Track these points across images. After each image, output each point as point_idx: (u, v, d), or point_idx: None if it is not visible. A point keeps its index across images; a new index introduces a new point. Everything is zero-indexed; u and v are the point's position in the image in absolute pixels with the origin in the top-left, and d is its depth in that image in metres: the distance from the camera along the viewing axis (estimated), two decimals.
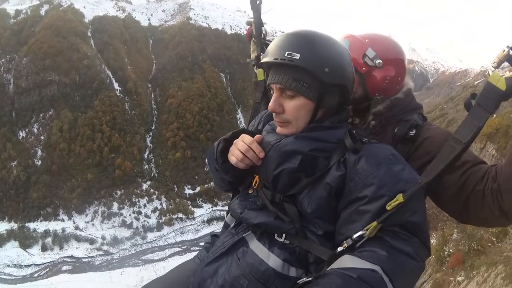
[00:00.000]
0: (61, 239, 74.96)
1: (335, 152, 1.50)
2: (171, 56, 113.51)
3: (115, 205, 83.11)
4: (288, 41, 1.50)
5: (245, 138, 1.63)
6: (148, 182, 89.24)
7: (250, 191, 1.72)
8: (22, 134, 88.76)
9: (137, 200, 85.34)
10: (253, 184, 1.69)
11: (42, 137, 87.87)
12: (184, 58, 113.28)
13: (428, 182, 1.33)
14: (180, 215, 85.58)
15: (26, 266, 71.17)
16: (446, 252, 10.68)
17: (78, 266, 71.25)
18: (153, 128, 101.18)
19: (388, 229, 1.31)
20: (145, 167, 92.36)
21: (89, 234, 77.02)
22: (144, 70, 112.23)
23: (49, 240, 74.48)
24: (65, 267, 71.24)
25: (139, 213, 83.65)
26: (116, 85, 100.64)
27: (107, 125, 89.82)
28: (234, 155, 1.63)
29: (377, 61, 1.82)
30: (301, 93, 1.51)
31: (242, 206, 1.68)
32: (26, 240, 73.96)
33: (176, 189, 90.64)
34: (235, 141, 1.66)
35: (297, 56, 1.43)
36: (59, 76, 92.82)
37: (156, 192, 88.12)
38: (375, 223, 1.30)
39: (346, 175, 1.42)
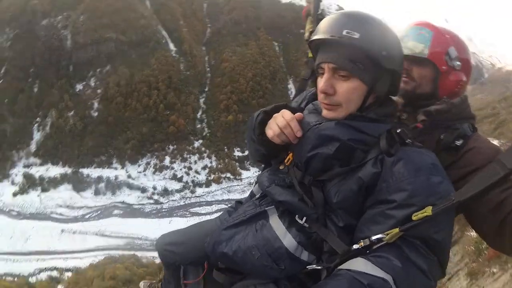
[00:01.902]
0: (113, 186, 74.64)
1: (374, 147, 1.43)
2: (225, 21, 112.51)
3: (167, 159, 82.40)
4: (346, 20, 1.43)
5: (285, 114, 1.58)
6: (200, 141, 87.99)
7: (281, 167, 1.69)
8: (79, 87, 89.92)
9: (188, 156, 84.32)
10: (286, 160, 1.65)
11: (98, 91, 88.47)
12: (238, 24, 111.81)
13: (461, 202, 1.24)
14: (228, 174, 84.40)
15: (78, 207, 71.31)
16: (484, 245, 8.82)
17: (129, 211, 71.02)
18: (206, 90, 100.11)
19: (408, 239, 1.26)
20: (198, 126, 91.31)
21: (141, 183, 76.51)
22: (199, 32, 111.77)
23: (102, 185, 74.30)
24: (116, 211, 71.26)
25: (190, 168, 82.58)
26: (171, 46, 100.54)
27: (163, 83, 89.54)
28: (272, 129, 1.60)
29: (457, 63, 1.72)
30: (356, 75, 1.45)
31: (270, 180, 1.66)
32: (79, 184, 74.18)
33: (226, 150, 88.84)
34: (275, 115, 1.61)
35: (357, 35, 1.37)
36: (116, 34, 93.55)
37: (207, 150, 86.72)
38: (397, 230, 1.25)
39: (380, 174, 1.36)
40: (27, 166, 78.72)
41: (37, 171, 77.15)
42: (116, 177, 75.99)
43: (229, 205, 2.01)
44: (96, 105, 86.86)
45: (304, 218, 1.51)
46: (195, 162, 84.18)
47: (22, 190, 74.13)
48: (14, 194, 73.79)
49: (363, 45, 1.36)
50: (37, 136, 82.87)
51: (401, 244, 1.26)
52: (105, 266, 46.24)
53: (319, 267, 1.48)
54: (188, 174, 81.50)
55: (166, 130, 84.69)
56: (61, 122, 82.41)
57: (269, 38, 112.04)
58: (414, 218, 1.23)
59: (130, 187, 74.96)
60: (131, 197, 73.61)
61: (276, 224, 1.59)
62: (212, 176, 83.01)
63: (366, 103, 1.50)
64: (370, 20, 1.42)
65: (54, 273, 56.53)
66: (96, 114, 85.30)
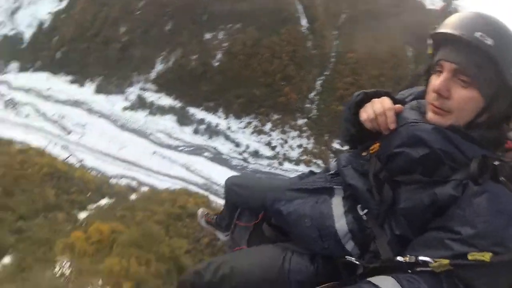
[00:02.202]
0: (212, 131, 75.26)
1: (463, 168, 1.31)
2: (361, 11, 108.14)
3: (268, 126, 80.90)
4: (481, 21, 1.31)
5: (384, 101, 1.56)
6: (305, 120, 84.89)
7: (364, 153, 1.67)
8: (207, 36, 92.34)
9: (289, 130, 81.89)
10: (371, 148, 1.63)
11: (224, 44, 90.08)
12: (375, 19, 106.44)
13: None
14: (319, 161, 79.70)
15: (175, 138, 73.31)
16: None
17: (217, 158, 71.51)
18: (327, 73, 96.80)
19: (452, 277, 1.18)
20: (307, 105, 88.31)
21: (237, 138, 76.33)
22: (333, 15, 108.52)
23: (202, 127, 75.34)
24: (206, 154, 72.25)
25: (286, 142, 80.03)
26: (303, 21, 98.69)
27: (287, 55, 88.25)
28: (366, 112, 1.57)
29: None
30: (477, 84, 1.33)
31: (348, 161, 1.68)
32: (183, 119, 76.11)
33: (326, 137, 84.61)
34: (375, 99, 1.60)
35: (490, 41, 1.24)
36: None
37: (308, 131, 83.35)
38: (448, 262, 1.16)
39: (458, 199, 1.27)
40: (143, 89, 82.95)
41: (150, 96, 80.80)
42: (217, 125, 76.53)
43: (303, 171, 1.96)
44: (219, 56, 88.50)
45: (365, 210, 1.48)
46: (293, 138, 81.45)
47: (132, 108, 78.11)
48: (124, 109, 77.97)
49: (495, 54, 1.22)
50: (159, 67, 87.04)
51: (443, 278, 1.17)
52: (178, 195, 46.57)
53: (357, 262, 1.46)
54: (282, 146, 79.13)
55: (276, 99, 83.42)
56: (184, 61, 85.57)
57: (404, 41, 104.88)
58: (469, 257, 1.12)
59: (226, 137, 75.03)
60: (223, 147, 73.72)
61: (336, 204, 1.58)
62: (304, 157, 79.43)
63: (477, 120, 1.36)
64: (506, 29, 1.27)
65: (133, 183, 57.67)
66: (217, 64, 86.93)
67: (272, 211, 1.80)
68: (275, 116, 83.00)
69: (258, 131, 79.82)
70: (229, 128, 78.33)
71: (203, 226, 3.13)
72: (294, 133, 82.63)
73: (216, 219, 2.78)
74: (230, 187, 2.33)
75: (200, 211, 3.24)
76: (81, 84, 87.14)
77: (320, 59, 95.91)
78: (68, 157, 64.80)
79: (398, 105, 1.52)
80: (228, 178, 2.44)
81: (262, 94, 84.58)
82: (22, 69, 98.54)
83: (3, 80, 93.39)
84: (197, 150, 71.94)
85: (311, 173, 1.98)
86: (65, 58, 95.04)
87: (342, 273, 1.55)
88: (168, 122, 76.37)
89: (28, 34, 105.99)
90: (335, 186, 1.64)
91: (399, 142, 1.41)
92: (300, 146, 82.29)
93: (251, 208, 2.18)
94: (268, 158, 76.97)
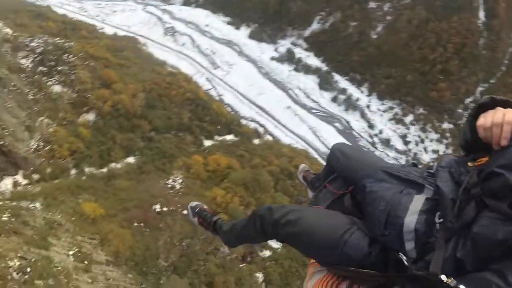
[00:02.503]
0: (350, 104, 73.08)
1: None
2: None
3: (409, 118, 75.00)
4: None
5: (508, 114, 1.42)
6: (451, 126, 76.05)
7: (470, 164, 1.60)
8: (372, 4, 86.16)
9: (430, 130, 74.29)
10: (478, 160, 1.56)
11: (388, 17, 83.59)
12: None
13: None
14: None
15: (312, 99, 72.93)
16: None
17: (346, 132, 68.42)
18: (492, 81, 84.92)
19: None
20: (459, 111, 78.83)
21: (373, 119, 72.22)
22: None
23: (342, 97, 72.85)
24: (337, 124, 70.68)
25: (422, 141, 73.51)
26: (481, 14, 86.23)
27: (453, 47, 78.47)
28: (484, 119, 1.49)
29: None
30: None
31: (449, 165, 1.63)
32: (325, 83, 74.15)
33: None
34: (499, 108, 1.48)
35: None
36: None
37: (450, 139, 74.74)
38: None
39: None
40: (294, 44, 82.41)
41: (299, 53, 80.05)
42: (357, 99, 73.17)
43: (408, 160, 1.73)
44: (379, 29, 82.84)
45: (441, 220, 1.44)
46: (431, 140, 74.17)
47: (279, 59, 78.45)
48: (272, 58, 78.72)
49: None
50: (315, 26, 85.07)
51: None
52: (298, 154, 48.07)
53: (406, 263, 1.45)
54: (417, 144, 72.78)
55: (427, 92, 75.81)
56: (341, 26, 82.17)
57: None
58: None
59: (363, 115, 71.61)
60: (357, 123, 70.99)
61: (418, 201, 1.56)
62: (435, 162, 72.08)
63: None
64: None
65: (260, 129, 59.24)
66: (374, 36, 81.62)
67: (359, 185, 1.86)
68: (420, 110, 75.62)
69: (397, 120, 73.75)
70: (368, 106, 74.09)
71: (300, 180, 3.37)
72: (435, 136, 74.69)
73: (313, 178, 2.83)
74: (334, 152, 2.35)
75: (302, 166, 3.40)
76: (237, 27, 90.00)
77: (490, 62, 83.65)
78: (210, 88, 68.65)
79: None
80: (336, 143, 2.47)
81: (414, 81, 77.19)
82: (185, 3, 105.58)
83: (167, 10, 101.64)
84: (329, 118, 70.45)
85: (414, 165, 1.94)
86: (226, 0, 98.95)
87: (390, 269, 1.53)
88: (310, 82, 74.74)
89: None
90: (427, 185, 1.62)
91: (503, 162, 1.29)
92: (435, 151, 74.16)
93: (346, 177, 2.19)
94: (398, 151, 71.76)
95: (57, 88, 36.32)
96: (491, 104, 1.49)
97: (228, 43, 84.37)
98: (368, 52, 78.81)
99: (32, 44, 37.25)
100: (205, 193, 28.78)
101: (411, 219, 1.48)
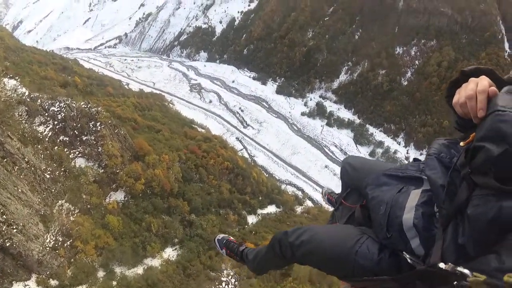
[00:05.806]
0: (389, 157, 69.54)
1: None
2: None
3: None
4: None
5: (480, 82, 1.28)
6: None
7: (462, 144, 1.45)
8: (399, 50, 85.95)
9: None
10: (467, 139, 1.40)
11: (417, 62, 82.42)
12: None
13: None
14: None
15: (348, 151, 69.75)
16: None
17: None
18: None
19: None
20: None
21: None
22: None
23: (379, 150, 70.15)
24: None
25: None
26: (507, 46, 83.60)
27: None
28: (458, 95, 1.36)
29: None
30: None
31: (438, 151, 1.52)
32: (361, 137, 72.25)
33: None
34: (471, 79, 1.34)
35: None
36: (452, 11, 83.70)
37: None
38: (484, 278, 1.04)
39: None
40: (323, 97, 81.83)
41: (330, 106, 79.14)
42: (395, 152, 70.46)
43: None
44: (408, 74, 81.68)
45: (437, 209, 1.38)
46: None
47: (310, 114, 77.62)
48: (303, 114, 77.94)
49: None
50: (342, 77, 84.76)
51: None
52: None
53: (408, 257, 1.46)
54: None
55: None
56: (370, 75, 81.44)
57: None
58: (505, 278, 0.99)
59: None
60: None
61: (414, 196, 1.53)
62: None
63: None
64: None
65: (299, 193, 56.79)
66: (405, 83, 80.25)
67: (364, 194, 1.84)
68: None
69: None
70: (406, 158, 70.17)
71: (325, 202, 3.45)
72: None
73: (336, 198, 2.83)
74: (344, 166, 2.37)
75: (325, 188, 3.44)
76: (263, 82, 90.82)
77: None
78: (241, 149, 67.51)
79: (492, 88, 1.23)
80: (347, 156, 2.52)
81: (451, 127, 73.71)
82: (210, 59, 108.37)
83: (192, 66, 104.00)
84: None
85: (415, 160, 1.85)
86: (250, 56, 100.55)
87: (403, 269, 1.53)
88: (344, 137, 73.27)
89: (218, 29, 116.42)
90: (424, 177, 1.53)
91: (482, 133, 1.18)
92: None
93: (357, 189, 2.18)
94: None
95: (80, 162, 30.93)
96: (463, 78, 1.38)
97: (256, 99, 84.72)
98: (400, 100, 77.10)
99: (52, 108, 31.17)
100: None
101: (408, 216, 1.46)
